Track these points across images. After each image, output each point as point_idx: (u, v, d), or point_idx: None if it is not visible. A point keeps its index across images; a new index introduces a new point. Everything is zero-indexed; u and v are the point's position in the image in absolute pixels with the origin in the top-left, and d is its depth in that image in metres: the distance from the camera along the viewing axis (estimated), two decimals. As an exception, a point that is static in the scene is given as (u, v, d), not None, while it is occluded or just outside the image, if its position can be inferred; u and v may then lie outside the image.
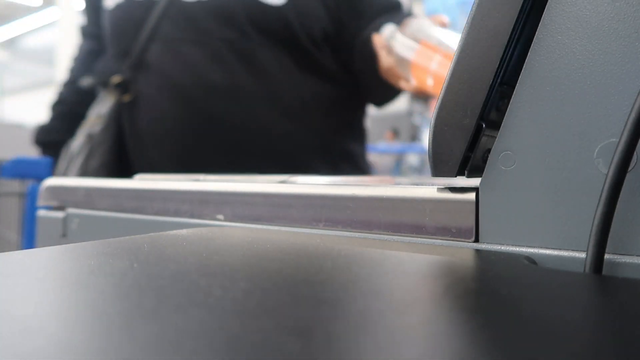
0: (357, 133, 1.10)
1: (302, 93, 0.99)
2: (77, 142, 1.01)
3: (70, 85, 1.13)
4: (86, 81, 1.02)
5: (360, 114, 1.10)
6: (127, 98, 0.97)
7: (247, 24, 0.94)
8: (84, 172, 0.98)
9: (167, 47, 0.95)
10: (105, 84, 0.99)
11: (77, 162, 0.99)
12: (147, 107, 0.96)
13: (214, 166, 0.90)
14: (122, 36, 0.99)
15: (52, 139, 1.12)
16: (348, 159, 1.07)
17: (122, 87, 0.97)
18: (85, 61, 1.13)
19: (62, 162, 1.07)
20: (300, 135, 1.00)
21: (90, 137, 0.99)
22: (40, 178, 1.28)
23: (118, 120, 0.98)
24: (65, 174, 1.02)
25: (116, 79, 0.97)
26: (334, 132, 1.05)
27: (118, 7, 0.99)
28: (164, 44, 0.95)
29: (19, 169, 1.39)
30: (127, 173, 0.97)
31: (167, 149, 0.96)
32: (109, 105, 0.98)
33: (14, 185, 1.99)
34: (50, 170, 1.14)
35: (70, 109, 1.11)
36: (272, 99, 0.96)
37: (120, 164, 0.99)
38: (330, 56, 1.00)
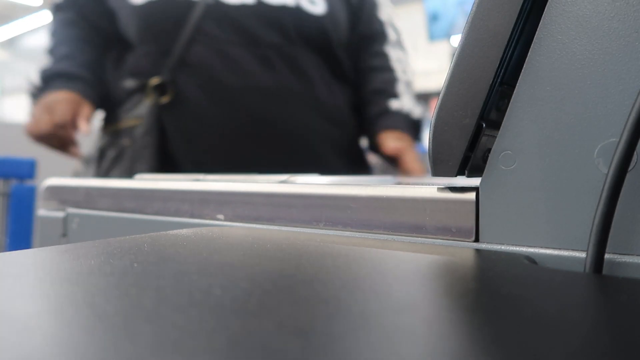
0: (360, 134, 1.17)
1: (336, 98, 1.05)
2: (113, 145, 0.99)
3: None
4: (128, 83, 0.98)
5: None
6: (166, 99, 0.95)
7: (293, 30, 0.97)
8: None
9: (212, 49, 0.95)
10: (143, 85, 0.96)
11: (119, 169, 0.96)
12: (189, 108, 0.95)
13: (259, 167, 0.91)
14: (160, 34, 0.97)
15: (72, 71, 1.02)
16: (363, 159, 1.15)
17: (161, 88, 0.95)
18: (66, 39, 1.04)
19: (88, 164, 1.05)
20: (336, 138, 1.05)
21: (132, 140, 0.96)
22: (23, 178, 1.28)
23: (159, 121, 0.96)
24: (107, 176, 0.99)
25: (155, 80, 0.95)
26: (356, 134, 1.12)
27: (151, 4, 0.97)
28: (208, 45, 0.95)
29: (1, 169, 1.36)
30: (174, 169, 0.95)
31: (214, 150, 0.96)
32: (148, 106, 0.95)
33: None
34: (34, 171, 1.12)
35: (73, 70, 1.03)
36: (315, 103, 1.00)
37: (166, 166, 0.97)
38: (349, 65, 1.08)
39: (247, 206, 0.41)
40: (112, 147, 1.01)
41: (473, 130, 0.30)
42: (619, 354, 0.14)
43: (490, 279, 0.24)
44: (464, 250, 0.29)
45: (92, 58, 1.04)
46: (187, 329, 0.15)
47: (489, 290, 0.22)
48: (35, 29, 8.41)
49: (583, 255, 0.27)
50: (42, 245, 0.55)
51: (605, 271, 0.25)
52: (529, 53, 0.29)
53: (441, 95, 0.30)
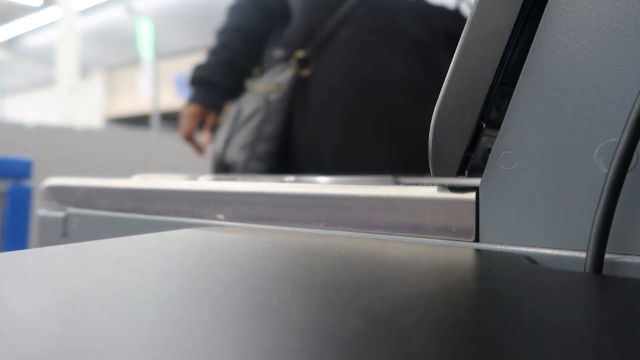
0: None
1: None
2: (249, 105, 1.01)
3: (235, 33, 1.11)
4: (278, 53, 1.01)
5: None
6: (305, 73, 0.98)
7: (442, 31, 0.99)
8: (258, 136, 0.98)
9: (356, 34, 0.96)
10: (288, 56, 0.99)
11: (250, 125, 0.99)
12: (322, 86, 0.97)
13: (372, 158, 0.94)
14: (314, 12, 0.99)
15: (209, 77, 1.10)
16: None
17: (303, 62, 0.97)
18: (250, 11, 1.10)
19: (221, 130, 1.07)
20: None
21: (267, 103, 0.99)
22: (19, 178, 1.28)
23: (294, 92, 0.98)
24: (231, 132, 1.02)
25: (300, 54, 0.97)
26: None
27: None
28: (354, 30, 0.96)
29: (-3, 168, 1.35)
30: (289, 144, 0.98)
31: (333, 131, 0.97)
32: (288, 76, 0.98)
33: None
34: (30, 171, 1.12)
35: (234, 57, 1.10)
36: None
37: (286, 135, 0.99)
38: None
39: (247, 206, 0.41)
40: (247, 106, 1.04)
41: (473, 130, 0.30)
42: (618, 353, 0.14)
43: (490, 279, 0.24)
44: (464, 250, 0.29)
45: (248, 42, 1.09)
46: (187, 328, 0.15)
47: (489, 290, 0.22)
48: (35, 29, 8.41)
49: (583, 255, 0.27)
50: (41, 245, 0.55)
51: (605, 271, 0.25)
52: (529, 53, 0.29)
53: (441, 95, 0.30)
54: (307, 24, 0.99)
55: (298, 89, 0.98)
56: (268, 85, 1.01)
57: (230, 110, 1.09)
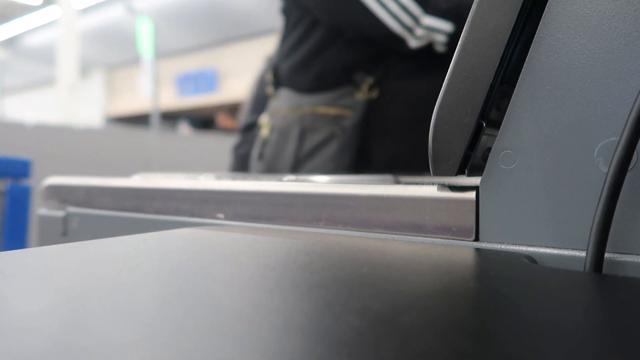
0: None
1: None
2: (318, 129, 0.99)
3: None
4: (338, 78, 0.99)
5: None
6: (374, 95, 0.97)
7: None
8: (337, 167, 0.97)
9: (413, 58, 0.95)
10: (353, 81, 0.97)
11: (324, 155, 0.98)
12: (392, 109, 0.96)
13: None
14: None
15: None
16: None
17: (371, 87, 0.97)
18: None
19: (269, 148, 1.05)
20: None
21: (342, 130, 0.97)
22: (18, 177, 1.27)
23: (367, 117, 0.97)
24: (298, 158, 1.00)
25: (370, 79, 0.96)
26: None
27: None
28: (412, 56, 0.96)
29: (-5, 167, 1.35)
30: (366, 165, 0.97)
31: (406, 153, 0.97)
32: (360, 100, 0.97)
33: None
34: (29, 170, 1.11)
35: None
36: None
37: (361, 162, 0.98)
38: None
39: (247, 205, 0.41)
40: (317, 131, 1.01)
41: (473, 130, 0.30)
42: (618, 353, 0.14)
43: (490, 279, 0.24)
44: (464, 250, 0.29)
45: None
46: (186, 328, 0.15)
47: (489, 289, 0.22)
48: (35, 28, 8.41)
49: (583, 254, 0.27)
50: (41, 244, 0.55)
51: (605, 270, 0.25)
52: (529, 52, 0.29)
53: (441, 94, 0.30)
54: (374, 46, 0.97)
55: (368, 113, 0.97)
56: (336, 109, 0.99)
57: (279, 127, 1.05)
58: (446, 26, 0.88)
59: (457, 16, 0.87)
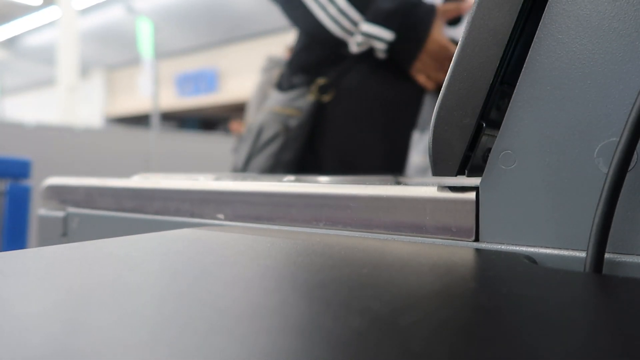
0: None
1: None
2: (270, 127, 1.01)
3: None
4: (297, 79, 1.02)
5: None
6: (326, 99, 0.99)
7: None
8: (277, 163, 0.99)
9: (375, 61, 0.96)
10: (310, 82, 1.00)
11: (270, 150, 1.00)
12: (342, 112, 0.98)
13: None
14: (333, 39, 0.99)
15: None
16: None
17: (324, 88, 0.98)
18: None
19: (242, 144, 1.08)
20: None
21: (286, 129, 0.99)
22: (18, 177, 1.27)
23: (314, 118, 0.99)
24: (251, 153, 1.02)
25: (321, 80, 0.98)
26: None
27: None
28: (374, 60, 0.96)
29: (-5, 168, 1.35)
30: (317, 168, 0.99)
31: (357, 156, 0.99)
32: (309, 102, 0.99)
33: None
34: (28, 170, 1.11)
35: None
36: None
37: (308, 160, 1.00)
38: None
39: (247, 206, 0.41)
40: (268, 129, 1.04)
41: (473, 130, 0.30)
42: (618, 353, 0.14)
43: (491, 279, 0.24)
44: (464, 250, 0.29)
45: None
46: (185, 327, 0.15)
47: (489, 289, 0.22)
48: (35, 29, 8.41)
49: (583, 254, 0.27)
50: (41, 244, 0.55)
51: (605, 271, 0.25)
52: (529, 52, 0.29)
53: (441, 94, 0.30)
54: (328, 49, 0.99)
55: (318, 115, 0.99)
56: (288, 109, 1.01)
57: (251, 125, 1.09)
58: (386, 34, 0.89)
59: (399, 24, 0.87)
